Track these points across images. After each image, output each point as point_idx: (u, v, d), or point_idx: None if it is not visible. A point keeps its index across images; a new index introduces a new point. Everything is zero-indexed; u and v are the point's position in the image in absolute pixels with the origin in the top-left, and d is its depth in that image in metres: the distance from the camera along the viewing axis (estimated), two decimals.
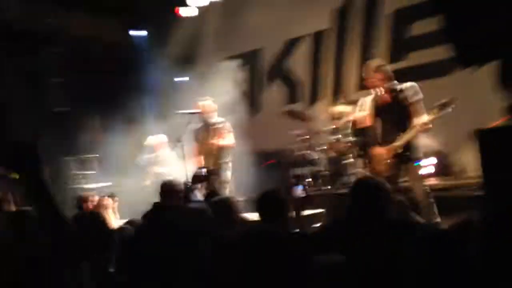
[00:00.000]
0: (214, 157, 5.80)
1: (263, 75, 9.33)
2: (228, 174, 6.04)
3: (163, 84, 8.76)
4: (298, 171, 6.90)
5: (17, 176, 1.53)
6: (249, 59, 9.38)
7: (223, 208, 2.98)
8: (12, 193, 3.86)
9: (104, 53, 8.80)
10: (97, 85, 8.27)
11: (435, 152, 6.64)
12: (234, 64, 9.28)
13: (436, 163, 6.67)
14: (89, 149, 7.68)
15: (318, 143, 7.42)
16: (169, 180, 4.01)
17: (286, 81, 9.01)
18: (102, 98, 8.12)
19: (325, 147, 7.04)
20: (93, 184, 7.02)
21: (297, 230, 3.04)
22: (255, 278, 1.94)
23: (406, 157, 4.53)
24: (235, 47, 8.98)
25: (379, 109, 4.67)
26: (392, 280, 1.75)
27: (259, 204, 2.86)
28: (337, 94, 8.03)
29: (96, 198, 4.69)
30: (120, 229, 2.98)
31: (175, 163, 6.32)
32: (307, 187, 6.01)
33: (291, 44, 8.86)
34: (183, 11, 8.77)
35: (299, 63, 8.80)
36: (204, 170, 5.59)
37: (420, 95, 4.61)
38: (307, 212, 5.17)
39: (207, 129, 6.06)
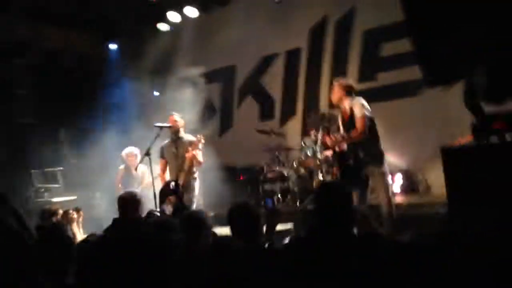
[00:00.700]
0: (184, 172, 5.72)
1: (235, 91, 9.36)
2: (197, 189, 5.99)
3: (132, 97, 8.68)
4: (269, 187, 6.90)
5: None
6: (223, 75, 9.40)
7: (194, 222, 2.93)
8: None
9: (74, 65, 8.68)
10: (64, 97, 8.12)
11: (401, 170, 6.77)
12: (206, 79, 9.32)
13: (402, 181, 6.80)
14: (53, 162, 7.49)
15: (288, 159, 7.46)
16: (125, 193, 3.85)
17: (258, 98, 9.07)
18: (69, 110, 7.97)
19: (295, 164, 7.08)
20: (57, 198, 6.82)
21: (268, 244, 3.00)
22: None
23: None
24: (208, 62, 9.00)
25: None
26: None
27: (231, 216, 2.81)
28: (309, 112, 8.11)
29: (61, 211, 4.55)
30: (82, 241, 2.89)
31: (148, 177, 6.24)
32: (277, 201, 6.01)
33: (265, 61, 8.95)
34: (159, 26, 8.78)
35: (272, 80, 8.88)
36: (172, 184, 5.51)
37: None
38: (277, 227, 5.15)
39: (176, 144, 5.99)
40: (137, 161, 6.38)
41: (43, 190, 6.94)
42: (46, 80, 8.14)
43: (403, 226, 4.87)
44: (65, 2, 8.02)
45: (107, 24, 8.97)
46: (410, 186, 6.86)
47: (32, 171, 7.02)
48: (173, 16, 8.58)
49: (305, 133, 7.75)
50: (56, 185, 7.16)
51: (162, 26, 8.86)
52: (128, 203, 3.68)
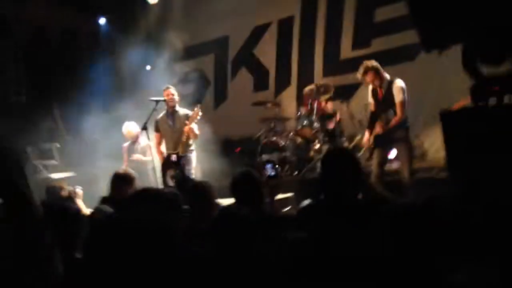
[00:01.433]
0: (182, 145, 5.71)
1: (229, 63, 9.26)
2: (194, 162, 6.00)
3: (124, 72, 8.56)
4: (266, 157, 6.92)
5: None
6: (215, 46, 9.28)
7: (200, 192, 2.93)
8: None
9: (63, 41, 8.52)
10: (56, 73, 8.01)
11: None
12: (199, 51, 9.20)
13: None
14: (49, 139, 7.44)
15: (285, 130, 7.46)
16: (119, 171, 3.79)
17: (252, 69, 8.98)
18: (60, 87, 7.87)
19: (292, 134, 7.09)
20: (56, 174, 6.80)
21: (271, 213, 3.03)
22: (229, 262, 1.92)
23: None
24: (200, 34, 8.87)
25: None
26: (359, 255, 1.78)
27: (235, 185, 2.81)
28: (304, 80, 8.07)
29: (66, 187, 4.54)
30: (91, 215, 2.90)
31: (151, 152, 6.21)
32: (276, 166, 6.05)
33: (257, 31, 8.83)
34: None
35: (265, 51, 8.78)
36: (174, 157, 5.49)
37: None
38: (278, 196, 5.19)
39: (172, 118, 5.96)
40: (136, 135, 6.37)
41: (40, 167, 6.92)
42: (35, 57, 8.01)
43: (399, 191, 4.97)
44: None
45: None
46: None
47: (28, 147, 6.97)
48: None
49: (300, 103, 7.73)
50: (53, 162, 7.14)
51: None
52: (121, 181, 3.63)
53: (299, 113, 7.18)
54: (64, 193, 4.22)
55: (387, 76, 5.22)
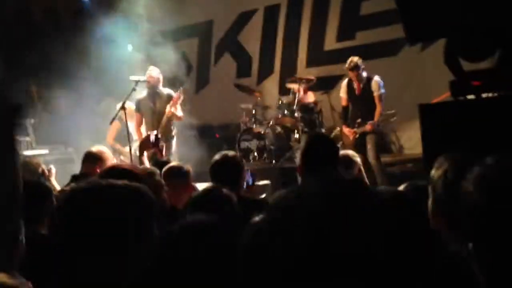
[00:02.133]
0: (162, 127, 5.64)
1: (212, 47, 9.16)
2: (174, 146, 5.94)
3: (106, 51, 8.39)
4: (245, 145, 6.89)
5: None
6: (199, 31, 9.17)
7: (177, 174, 2.89)
8: None
9: (44, 18, 8.31)
10: (35, 50, 7.81)
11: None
12: (183, 34, 9.07)
13: None
14: (24, 114, 7.25)
15: (265, 118, 7.44)
16: (91, 150, 3.71)
17: (236, 55, 8.91)
18: (40, 63, 7.68)
19: (272, 122, 7.07)
20: (28, 151, 6.64)
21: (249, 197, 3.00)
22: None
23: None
24: (184, 16, 8.74)
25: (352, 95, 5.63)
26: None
27: (214, 167, 2.76)
28: (287, 69, 8.04)
29: (42, 165, 4.42)
30: (59, 191, 2.83)
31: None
32: (253, 158, 6.05)
33: (242, 17, 8.74)
34: None
35: (250, 37, 8.71)
36: (153, 137, 5.41)
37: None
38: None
39: (153, 99, 5.88)
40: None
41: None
42: (15, 35, 7.79)
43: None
44: None
45: None
46: (382, 146, 6.95)
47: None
48: None
49: (282, 91, 7.71)
50: (27, 138, 6.97)
51: None
52: (93, 159, 3.56)
53: (280, 101, 7.16)
54: (40, 170, 4.11)
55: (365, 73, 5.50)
